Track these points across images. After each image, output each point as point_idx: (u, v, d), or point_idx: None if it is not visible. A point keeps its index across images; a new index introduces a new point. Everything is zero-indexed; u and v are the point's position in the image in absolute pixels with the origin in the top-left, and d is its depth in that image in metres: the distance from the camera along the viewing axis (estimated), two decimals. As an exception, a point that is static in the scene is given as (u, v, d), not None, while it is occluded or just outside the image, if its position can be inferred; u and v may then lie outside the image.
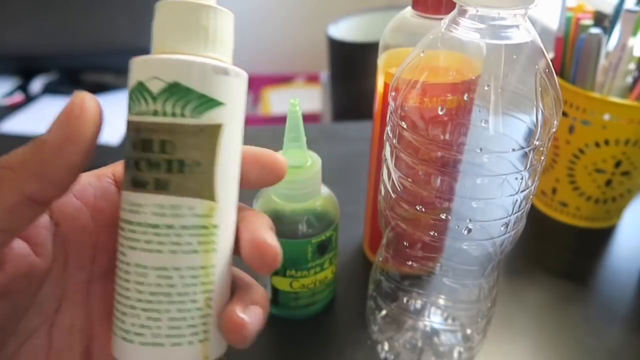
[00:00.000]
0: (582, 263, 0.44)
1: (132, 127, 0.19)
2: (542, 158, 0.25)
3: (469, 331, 0.34)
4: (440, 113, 0.25)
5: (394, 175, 0.28)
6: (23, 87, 1.42)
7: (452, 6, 0.24)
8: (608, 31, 0.42)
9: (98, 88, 1.42)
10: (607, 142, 0.42)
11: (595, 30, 0.41)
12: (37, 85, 1.42)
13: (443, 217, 0.27)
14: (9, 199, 0.17)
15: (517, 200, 0.26)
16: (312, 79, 1.81)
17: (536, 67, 0.23)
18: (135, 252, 0.19)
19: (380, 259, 0.33)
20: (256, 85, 1.85)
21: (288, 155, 0.31)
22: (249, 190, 0.32)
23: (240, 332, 0.19)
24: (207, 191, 0.19)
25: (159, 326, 0.19)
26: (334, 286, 0.38)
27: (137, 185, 0.19)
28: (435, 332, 0.34)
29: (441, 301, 0.34)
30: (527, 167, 0.25)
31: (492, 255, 0.29)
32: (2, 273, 0.18)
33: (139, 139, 0.19)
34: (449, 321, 0.34)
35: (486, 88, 0.23)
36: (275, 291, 0.35)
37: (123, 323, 0.19)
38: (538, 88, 0.23)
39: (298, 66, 1.85)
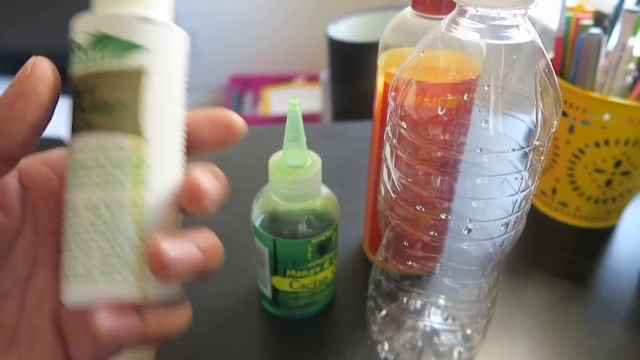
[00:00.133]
0: (582, 263, 0.44)
1: (73, 78, 0.20)
2: (542, 158, 0.25)
3: (469, 331, 0.34)
4: (440, 113, 0.25)
5: (394, 175, 0.28)
6: (23, 87, 1.42)
7: (452, 6, 0.24)
8: (608, 31, 0.42)
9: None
10: (607, 142, 0.42)
11: (595, 30, 0.41)
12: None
13: (443, 217, 0.27)
14: None
15: (517, 200, 0.26)
16: (312, 79, 1.81)
17: (536, 67, 0.23)
18: (70, 192, 0.20)
19: (380, 259, 0.33)
20: (256, 85, 1.85)
21: (288, 155, 0.31)
22: (248, 190, 0.32)
23: (158, 263, 0.19)
24: (133, 130, 0.20)
25: (92, 260, 0.19)
26: (334, 286, 0.38)
27: (72, 130, 0.20)
28: (435, 332, 0.34)
29: (441, 301, 0.34)
30: (527, 167, 0.25)
31: (492, 255, 0.29)
32: None
33: (72, 88, 0.20)
34: (449, 321, 0.34)
35: (486, 88, 0.23)
36: (275, 291, 0.35)
37: (65, 267, 0.20)
38: (538, 88, 0.23)
39: (298, 66, 1.85)
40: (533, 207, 0.49)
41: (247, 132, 0.22)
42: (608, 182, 0.44)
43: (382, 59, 0.32)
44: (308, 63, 1.82)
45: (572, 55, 0.43)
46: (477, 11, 0.22)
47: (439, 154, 0.25)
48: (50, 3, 1.41)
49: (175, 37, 0.21)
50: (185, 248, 0.20)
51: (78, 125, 0.20)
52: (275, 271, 0.34)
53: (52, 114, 0.20)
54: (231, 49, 1.82)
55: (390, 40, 0.32)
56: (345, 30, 1.28)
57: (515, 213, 0.26)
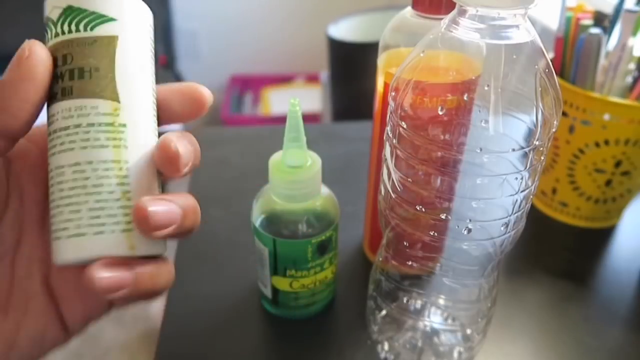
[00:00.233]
0: (582, 263, 0.44)
1: None
2: (542, 158, 0.25)
3: (469, 331, 0.34)
4: (440, 113, 0.25)
5: (394, 175, 0.28)
6: (23, 87, 1.42)
7: (452, 6, 0.24)
8: (608, 31, 0.42)
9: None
10: (607, 142, 0.42)
11: (595, 30, 0.41)
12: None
13: (443, 217, 0.27)
14: None
15: (517, 200, 0.26)
16: (312, 79, 1.81)
17: (536, 67, 0.23)
18: (54, 157, 0.21)
19: (380, 259, 0.33)
20: (256, 85, 1.85)
21: (288, 155, 0.31)
22: (248, 190, 0.33)
23: (142, 217, 0.20)
24: (108, 92, 0.21)
25: (80, 217, 0.21)
26: (334, 286, 0.38)
27: (50, 98, 0.21)
28: (435, 332, 0.34)
29: (441, 301, 0.34)
30: (527, 167, 0.25)
31: (492, 255, 0.29)
32: None
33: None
34: (449, 321, 0.34)
35: (486, 88, 0.23)
36: (275, 291, 0.35)
37: (52, 225, 0.21)
38: (538, 88, 0.23)
39: (298, 66, 1.85)
40: (533, 207, 0.49)
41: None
42: (608, 182, 0.44)
43: (382, 59, 0.32)
44: (308, 63, 1.82)
45: (572, 55, 0.43)
46: (477, 11, 0.22)
47: (439, 154, 0.25)
48: (50, 3, 1.41)
49: (141, 9, 0.23)
50: (166, 205, 0.21)
51: (57, 93, 0.21)
52: (275, 271, 0.34)
53: (48, 94, 0.21)
54: (231, 49, 1.82)
55: (390, 40, 0.32)
56: (345, 30, 1.28)
57: (515, 213, 0.26)
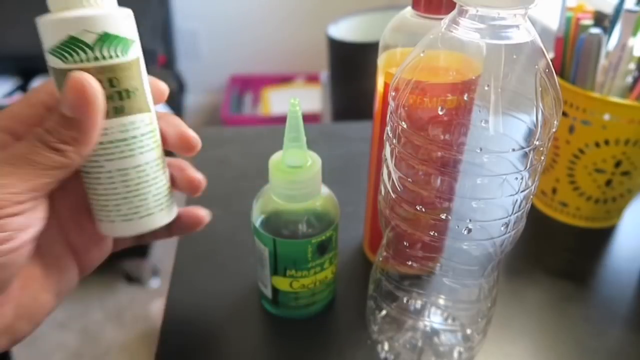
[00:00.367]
0: (582, 263, 0.44)
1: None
2: (542, 158, 0.25)
3: (469, 331, 0.34)
4: (440, 113, 0.25)
5: (394, 175, 0.28)
6: (23, 87, 1.42)
7: (452, 6, 0.24)
8: (608, 31, 0.42)
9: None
10: (607, 142, 0.42)
11: (595, 30, 0.41)
12: (36, 85, 1.42)
13: (443, 217, 0.27)
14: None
15: (517, 200, 0.26)
16: (312, 79, 1.81)
17: (536, 67, 0.23)
18: (114, 162, 0.26)
19: (380, 259, 0.33)
20: (256, 85, 1.85)
21: (288, 155, 0.31)
22: (248, 190, 0.34)
23: (196, 184, 0.31)
24: (146, 106, 0.27)
25: (148, 203, 0.28)
26: (334, 286, 0.38)
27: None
28: (435, 332, 0.34)
29: (441, 301, 0.34)
30: (527, 167, 0.25)
31: (492, 255, 0.29)
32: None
33: None
34: (449, 321, 0.34)
35: (486, 88, 0.23)
36: (275, 291, 0.35)
37: (119, 211, 0.28)
38: (538, 88, 0.23)
39: (298, 66, 1.85)
40: (533, 207, 0.49)
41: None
42: (608, 182, 0.44)
43: (382, 59, 0.32)
44: (308, 63, 1.82)
45: (572, 55, 0.43)
46: (477, 11, 0.22)
47: (439, 154, 0.25)
48: (50, 3, 1.41)
49: (133, 22, 0.26)
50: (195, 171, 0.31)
51: (109, 111, 0.25)
52: (275, 271, 0.34)
53: None
54: (231, 49, 1.82)
55: (390, 40, 0.32)
56: (345, 30, 1.28)
57: (515, 213, 0.26)
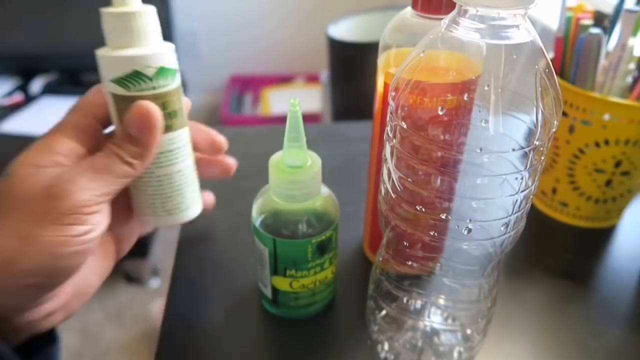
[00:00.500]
0: (582, 263, 0.44)
1: (136, 98, 0.30)
2: (542, 158, 0.25)
3: (469, 331, 0.34)
4: (440, 113, 0.25)
5: (394, 175, 0.28)
6: (23, 87, 1.42)
7: (452, 6, 0.24)
8: (608, 31, 0.42)
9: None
10: (607, 142, 0.42)
11: (595, 30, 0.41)
12: (36, 85, 1.42)
13: (443, 217, 0.27)
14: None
15: (517, 200, 0.26)
16: (312, 79, 1.81)
17: (536, 67, 0.23)
18: (162, 169, 0.33)
19: (380, 259, 0.33)
20: (256, 85, 1.85)
21: (288, 155, 0.31)
22: (248, 190, 0.34)
23: (230, 169, 0.40)
24: (185, 122, 0.33)
25: (187, 198, 0.35)
26: (334, 286, 0.38)
27: None
28: (435, 332, 0.34)
29: (441, 301, 0.34)
30: (527, 167, 0.25)
31: (492, 255, 0.29)
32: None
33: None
34: (449, 321, 0.34)
35: (486, 88, 0.23)
36: (275, 291, 0.35)
37: (156, 208, 0.34)
38: (538, 88, 0.23)
39: (298, 66, 1.85)
40: (533, 207, 0.49)
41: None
42: (608, 182, 0.44)
43: (382, 59, 0.32)
44: (308, 63, 1.82)
45: (572, 55, 0.43)
46: (477, 11, 0.22)
47: (439, 154, 0.25)
48: (50, 3, 1.41)
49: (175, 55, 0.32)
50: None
51: (164, 128, 0.31)
52: (275, 271, 0.34)
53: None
54: (231, 49, 1.82)
55: (390, 40, 0.32)
56: (345, 30, 1.28)
57: (515, 213, 0.26)
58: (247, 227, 0.38)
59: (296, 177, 0.31)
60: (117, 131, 0.31)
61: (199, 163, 0.36)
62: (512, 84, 0.23)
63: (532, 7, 0.22)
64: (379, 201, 0.31)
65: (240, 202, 0.47)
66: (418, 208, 0.27)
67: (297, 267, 0.33)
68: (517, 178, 0.25)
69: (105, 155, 0.29)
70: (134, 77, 0.30)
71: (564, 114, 0.43)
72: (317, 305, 0.37)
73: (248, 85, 1.86)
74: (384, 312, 0.34)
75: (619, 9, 0.42)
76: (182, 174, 0.33)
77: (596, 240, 0.46)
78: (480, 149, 0.24)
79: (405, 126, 0.25)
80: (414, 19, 0.31)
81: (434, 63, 0.25)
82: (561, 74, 0.44)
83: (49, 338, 0.32)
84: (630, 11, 0.40)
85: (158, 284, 1.34)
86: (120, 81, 0.30)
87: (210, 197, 0.41)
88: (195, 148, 0.35)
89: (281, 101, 1.76)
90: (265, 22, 1.77)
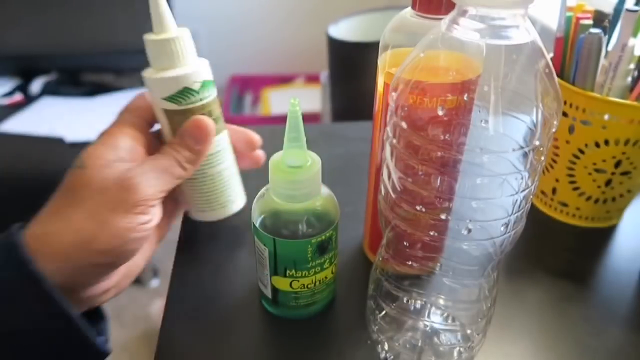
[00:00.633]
0: (582, 263, 0.44)
1: (188, 110, 0.36)
2: (542, 158, 0.25)
3: (469, 331, 0.34)
4: (440, 113, 0.25)
5: (394, 175, 0.28)
6: (23, 87, 1.42)
7: (452, 6, 0.24)
8: (608, 31, 0.42)
9: (98, 88, 1.42)
10: (607, 142, 0.42)
11: (595, 30, 0.41)
12: (36, 85, 1.42)
13: (443, 217, 0.27)
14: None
15: (517, 200, 0.26)
16: (312, 79, 1.81)
17: (536, 67, 0.23)
18: (213, 168, 0.38)
19: (380, 259, 0.33)
20: (256, 85, 1.85)
21: (288, 155, 0.31)
22: (248, 190, 0.34)
23: (262, 160, 0.43)
24: (225, 126, 0.39)
25: (231, 194, 0.41)
26: (334, 286, 0.38)
27: None
28: (435, 332, 0.34)
29: (441, 301, 0.34)
30: (527, 167, 0.25)
31: (492, 255, 0.29)
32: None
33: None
34: (449, 321, 0.34)
35: (486, 88, 0.23)
36: (275, 291, 0.35)
37: (211, 202, 0.40)
38: (538, 88, 0.23)
39: (298, 66, 1.85)
40: (533, 207, 0.49)
41: None
42: (608, 182, 0.44)
43: (382, 59, 0.32)
44: (308, 63, 1.82)
45: (572, 55, 0.43)
46: (477, 11, 0.23)
47: (439, 154, 0.25)
48: (50, 3, 1.41)
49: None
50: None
51: None
52: (275, 271, 0.34)
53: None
54: (231, 49, 1.82)
55: (390, 40, 0.32)
56: (345, 30, 1.28)
57: (515, 213, 0.26)
58: (247, 226, 0.38)
59: (296, 177, 0.31)
60: (167, 137, 0.37)
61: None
62: (512, 84, 0.23)
63: (532, 7, 0.22)
64: (379, 201, 0.31)
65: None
66: (418, 208, 0.27)
67: (297, 267, 0.33)
68: (517, 178, 0.25)
69: (166, 158, 0.34)
70: (184, 93, 0.34)
71: (564, 114, 0.43)
72: (317, 305, 0.37)
73: (248, 85, 1.86)
74: (383, 312, 0.34)
75: (619, 9, 0.42)
76: (229, 170, 0.39)
77: (596, 240, 0.46)
78: (480, 149, 0.24)
79: (405, 126, 0.25)
80: (413, 19, 0.31)
81: (434, 63, 0.26)
82: (561, 74, 0.44)
83: (98, 314, 0.35)
84: (630, 11, 0.40)
85: (158, 284, 1.34)
86: (172, 98, 0.34)
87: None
88: (235, 146, 0.41)
89: (281, 101, 1.76)
90: (266, 22, 1.77)
